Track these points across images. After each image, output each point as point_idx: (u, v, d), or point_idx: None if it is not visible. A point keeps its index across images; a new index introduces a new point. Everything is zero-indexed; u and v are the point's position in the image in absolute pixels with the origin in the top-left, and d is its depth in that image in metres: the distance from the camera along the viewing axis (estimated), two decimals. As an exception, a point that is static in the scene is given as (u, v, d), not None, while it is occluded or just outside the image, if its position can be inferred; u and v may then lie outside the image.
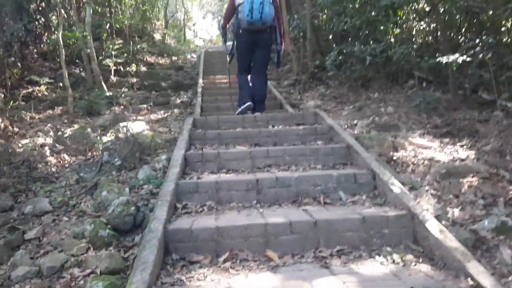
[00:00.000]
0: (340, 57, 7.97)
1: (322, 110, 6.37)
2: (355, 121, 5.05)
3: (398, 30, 8.32)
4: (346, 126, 4.82)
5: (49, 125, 5.33)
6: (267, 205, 3.09)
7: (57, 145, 4.54)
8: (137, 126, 5.14)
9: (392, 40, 8.08)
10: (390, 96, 7.26)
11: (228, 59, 6.02)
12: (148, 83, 9.73)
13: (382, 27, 7.79)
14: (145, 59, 12.58)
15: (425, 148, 4.01)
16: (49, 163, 4.02)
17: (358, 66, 7.92)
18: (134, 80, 10.48)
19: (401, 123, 4.85)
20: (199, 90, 7.93)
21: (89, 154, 4.26)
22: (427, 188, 3.10)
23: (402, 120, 5.02)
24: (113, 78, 9.42)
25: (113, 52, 5.92)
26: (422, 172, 3.35)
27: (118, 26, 11.91)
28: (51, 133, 5.05)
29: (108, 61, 6.02)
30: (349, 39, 8.84)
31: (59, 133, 5.08)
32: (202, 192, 3.13)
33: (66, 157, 4.24)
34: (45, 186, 3.55)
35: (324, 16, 9.52)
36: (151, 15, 19.35)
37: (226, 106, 6.81)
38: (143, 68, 11.31)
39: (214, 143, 4.31)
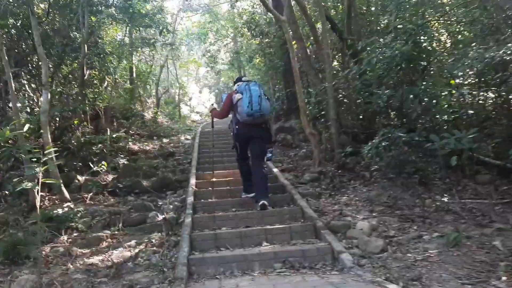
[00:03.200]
0: (384, 144, 5.72)
1: (384, 238, 3.96)
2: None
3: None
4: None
5: None
6: None
7: None
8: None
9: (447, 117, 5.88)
10: (468, 197, 4.91)
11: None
12: (125, 184, 7.37)
13: (441, 102, 5.62)
14: (127, 147, 10.37)
15: None
16: None
17: (412, 155, 5.67)
18: (109, 178, 8.18)
19: None
20: (190, 200, 5.52)
21: None
22: None
23: None
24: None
25: (37, 169, 3.39)
26: None
27: (89, 111, 9.82)
28: None
29: (26, 185, 3.58)
30: (391, 117, 6.70)
31: None
32: None
33: None
34: None
35: (352, 88, 7.41)
36: (141, 93, 17.62)
37: (232, 237, 4.33)
38: (123, 161, 9.06)
39: None
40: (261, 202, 5.12)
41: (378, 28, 9.03)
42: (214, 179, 6.61)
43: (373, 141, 5.88)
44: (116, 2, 11.27)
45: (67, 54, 10.21)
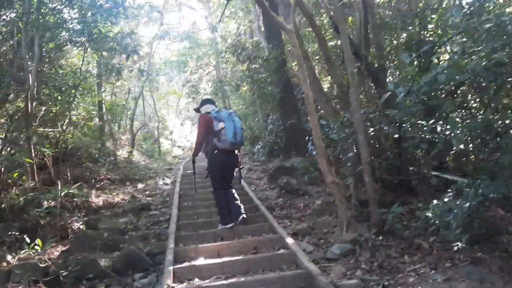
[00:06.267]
0: (469, 205, 3.66)
1: None
2: None
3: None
4: None
5: None
6: None
7: None
8: None
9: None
10: None
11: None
12: (73, 268, 5.10)
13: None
14: (88, 203, 8.09)
15: None
16: None
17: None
18: (56, 252, 5.92)
19: None
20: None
21: None
22: None
23: None
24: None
25: None
26: None
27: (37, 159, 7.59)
28: None
29: None
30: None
31: None
32: None
33: None
34: None
35: (389, 119, 5.39)
36: (113, 130, 15.44)
37: None
38: (77, 225, 6.81)
39: None
40: (240, 217, 5.65)
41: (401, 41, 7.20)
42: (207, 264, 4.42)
43: (446, 199, 3.84)
44: (74, 25, 9.26)
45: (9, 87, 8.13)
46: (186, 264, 4.57)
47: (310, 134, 10.02)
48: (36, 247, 5.00)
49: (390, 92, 4.95)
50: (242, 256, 4.65)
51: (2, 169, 7.10)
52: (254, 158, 13.91)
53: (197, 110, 6.30)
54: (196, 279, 4.24)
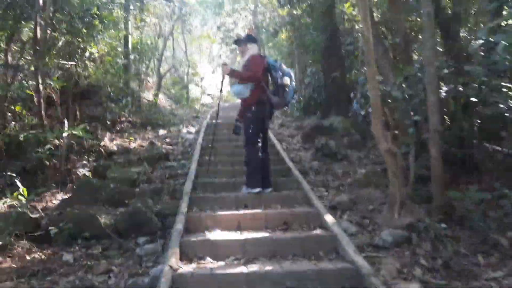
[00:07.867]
0: None
1: None
2: None
3: None
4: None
5: None
6: None
7: None
8: None
9: None
10: None
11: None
12: (65, 224, 4.29)
13: None
14: (101, 146, 7.28)
15: None
16: None
17: None
18: (55, 201, 5.15)
19: None
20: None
21: None
22: None
23: None
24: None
25: None
26: None
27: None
28: None
29: None
30: None
31: None
32: None
33: None
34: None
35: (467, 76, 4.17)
36: (140, 71, 14.50)
37: None
38: (83, 171, 6.02)
39: None
40: (269, 189, 5.00)
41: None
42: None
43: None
44: None
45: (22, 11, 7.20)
46: (199, 237, 3.67)
47: (353, 90, 8.83)
48: (20, 196, 4.15)
49: (483, 41, 3.70)
50: (269, 233, 3.72)
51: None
52: (287, 112, 12.80)
53: (239, 42, 5.22)
54: (208, 259, 3.35)
